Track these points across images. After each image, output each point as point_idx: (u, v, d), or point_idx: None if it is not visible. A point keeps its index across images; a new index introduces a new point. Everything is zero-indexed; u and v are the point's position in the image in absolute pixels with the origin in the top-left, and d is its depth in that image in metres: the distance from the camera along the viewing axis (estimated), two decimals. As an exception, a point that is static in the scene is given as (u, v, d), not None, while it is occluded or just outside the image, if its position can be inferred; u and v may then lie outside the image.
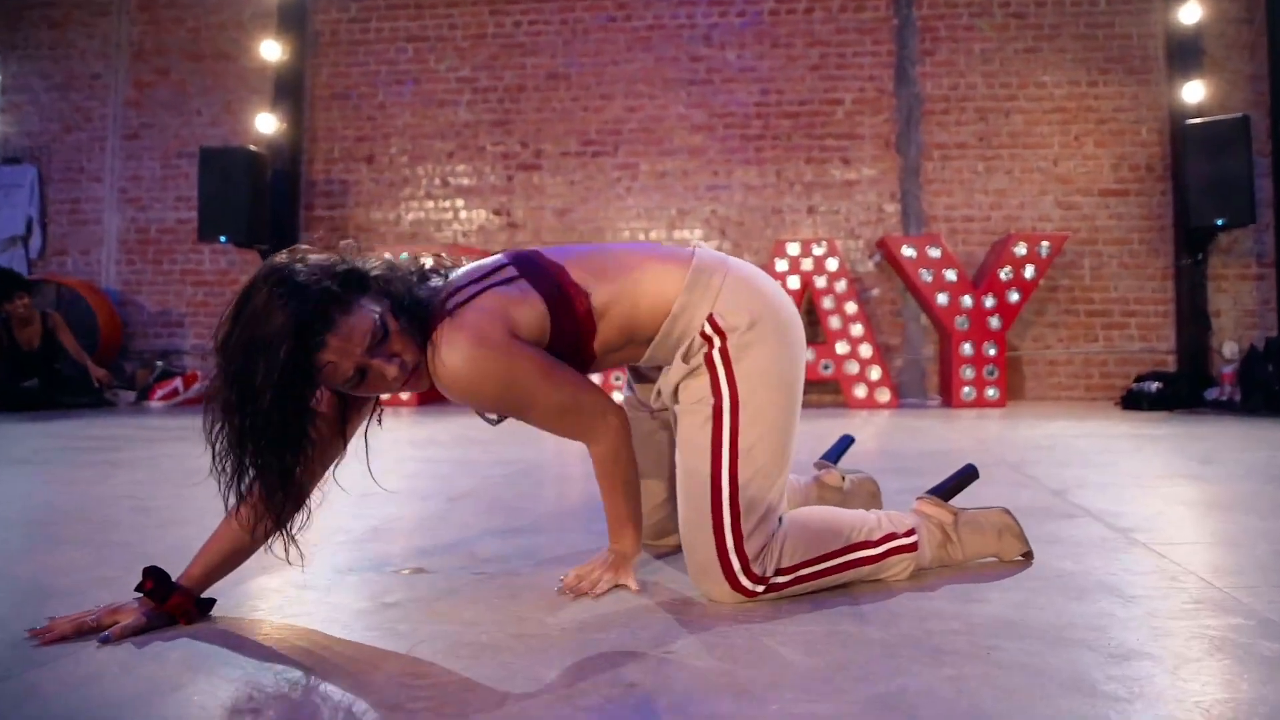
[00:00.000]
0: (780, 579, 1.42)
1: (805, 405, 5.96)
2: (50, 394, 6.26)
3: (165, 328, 7.51)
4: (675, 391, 1.51)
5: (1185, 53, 6.70)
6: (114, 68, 7.53)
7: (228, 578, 1.43)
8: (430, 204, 7.29)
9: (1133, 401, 6.17)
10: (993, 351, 6.45)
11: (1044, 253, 6.45)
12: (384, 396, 1.49)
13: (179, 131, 7.46)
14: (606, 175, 7.12)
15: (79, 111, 7.60)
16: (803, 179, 7.01)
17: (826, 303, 6.56)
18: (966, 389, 6.45)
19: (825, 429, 4.76)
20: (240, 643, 1.27)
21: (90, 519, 2.27)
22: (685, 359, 1.47)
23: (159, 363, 7.25)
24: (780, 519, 1.47)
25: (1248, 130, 6.13)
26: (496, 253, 1.55)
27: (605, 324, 1.46)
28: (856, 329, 6.54)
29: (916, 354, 6.94)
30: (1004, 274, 6.44)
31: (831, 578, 1.47)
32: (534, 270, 1.45)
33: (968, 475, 1.72)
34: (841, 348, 6.55)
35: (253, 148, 6.90)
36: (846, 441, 2.20)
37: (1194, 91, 6.60)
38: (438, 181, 7.29)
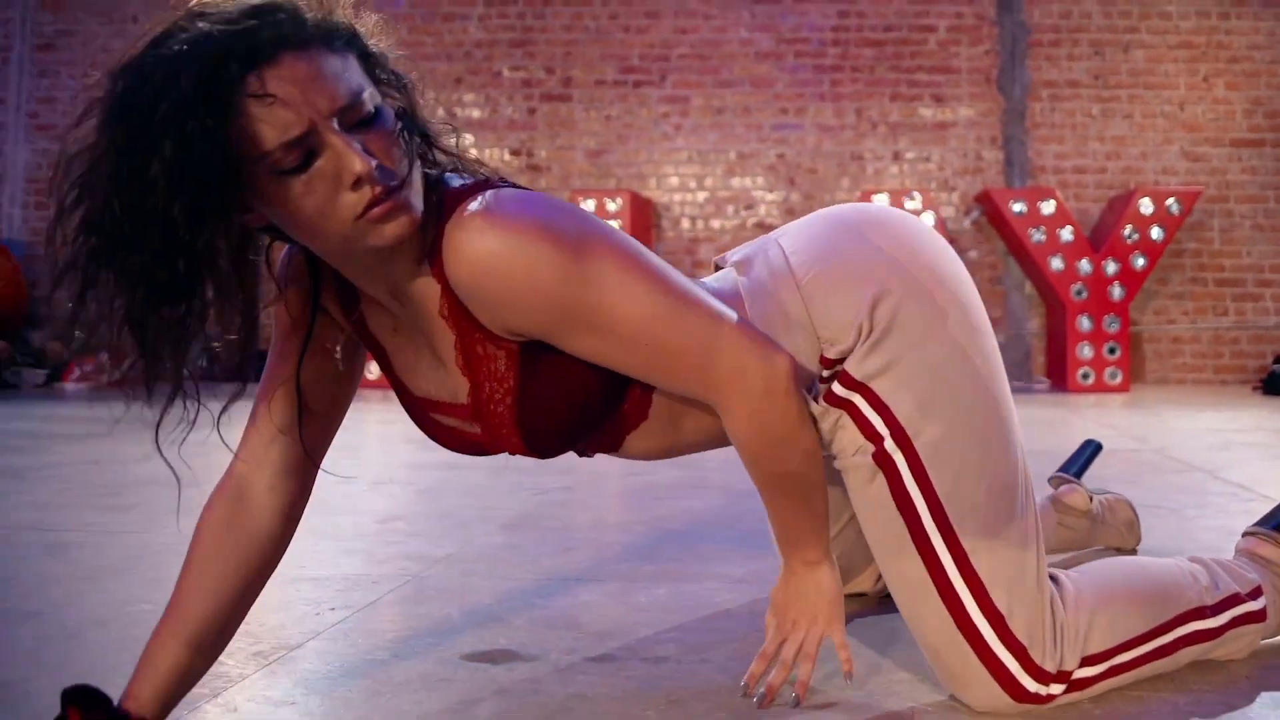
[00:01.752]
0: (1088, 671, 0.97)
1: None
2: None
3: (90, 291, 5.90)
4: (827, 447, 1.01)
5: (1327, -17, 5.66)
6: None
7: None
8: (432, 141, 5.81)
9: (1275, 385, 5.17)
10: (1115, 327, 5.36)
11: (1174, 211, 5.37)
12: None
13: (108, 43, 5.82)
14: (651, 110, 5.87)
15: (-26, 13, 5.92)
16: (887, 119, 5.82)
17: (921, 267, 5.31)
18: (1084, 370, 5.35)
19: None
20: None
21: None
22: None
23: (77, 334, 5.62)
24: (1055, 578, 1.01)
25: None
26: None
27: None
28: (956, 298, 5.31)
29: (1020, 328, 5.81)
30: (1128, 235, 5.31)
31: (1156, 664, 1.01)
32: None
33: (1095, 451, 1.64)
34: (938, 321, 5.30)
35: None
36: (1093, 448, 1.73)
37: (1337, 27, 5.56)
38: (441, 113, 5.72)
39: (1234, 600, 1.06)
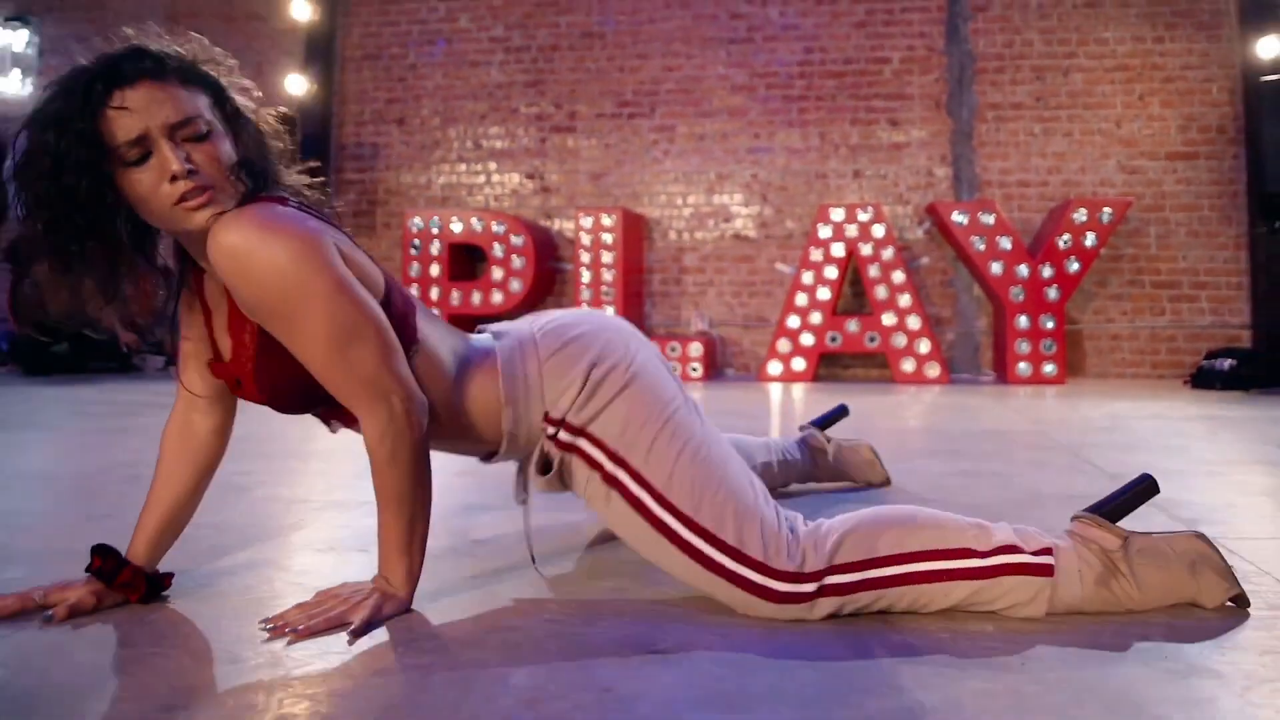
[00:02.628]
0: (840, 578, 1.10)
1: (850, 379, 5.43)
2: (79, 358, 6.02)
3: (194, 294, 7.14)
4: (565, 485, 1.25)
5: (1259, 5, 6.04)
6: (148, 30, 7.12)
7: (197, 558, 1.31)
8: (462, 167, 6.82)
9: (1204, 380, 5.54)
10: (1050, 325, 5.85)
11: (1106, 219, 5.83)
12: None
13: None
14: (643, 138, 6.62)
15: (111, 74, 7.23)
16: (848, 141, 6.44)
17: (873, 271, 5.99)
18: (1022, 364, 5.86)
19: (867, 405, 4.21)
20: (189, 628, 1.12)
21: (76, 486, 2.15)
22: (544, 472, 1.23)
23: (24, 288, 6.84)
24: (808, 522, 1.18)
25: (1330, 88, 5.45)
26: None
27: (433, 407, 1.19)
28: (904, 299, 5.96)
29: (969, 327, 6.34)
30: (1062, 242, 5.84)
31: (921, 588, 1.11)
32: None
33: (1146, 489, 1.18)
34: (888, 319, 5.98)
35: (283, 110, 6.46)
36: (839, 411, 2.05)
37: (1269, 47, 5.92)
38: (470, 144, 6.83)
39: (1009, 549, 1.11)
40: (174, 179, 1.02)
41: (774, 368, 6.05)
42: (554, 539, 1.57)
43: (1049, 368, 5.83)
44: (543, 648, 1.04)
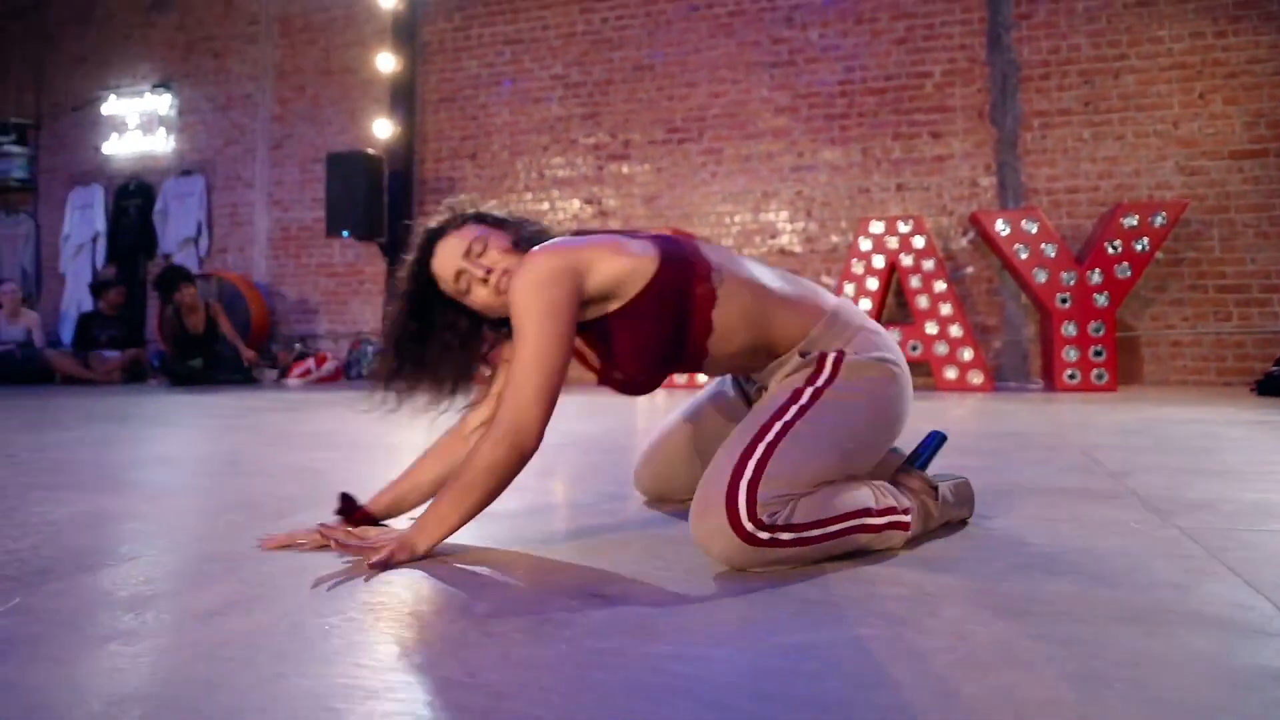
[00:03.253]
0: (784, 535, 1.29)
1: None
2: (211, 371, 6.87)
3: (304, 314, 7.98)
4: (779, 379, 1.51)
5: (1339, -9, 5.63)
6: (262, 87, 8.12)
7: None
8: (529, 195, 7.32)
9: (1271, 387, 5.22)
10: (1100, 331, 5.66)
11: (1158, 223, 5.60)
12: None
13: (314, 140, 7.93)
14: (691, 161, 6.89)
15: (236, 127, 8.25)
16: (890, 156, 6.47)
17: (914, 281, 6.00)
18: (1070, 372, 5.70)
19: (915, 410, 4.26)
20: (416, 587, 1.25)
21: (177, 470, 2.46)
22: (804, 356, 1.48)
23: (297, 345, 7.71)
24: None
25: None
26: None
27: (725, 336, 1.47)
28: (945, 308, 5.93)
29: (1017, 334, 6.22)
30: (1111, 248, 5.65)
31: (835, 543, 1.34)
32: (666, 241, 1.50)
33: (939, 442, 1.64)
34: (930, 328, 5.96)
35: (371, 151, 7.21)
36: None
37: (1350, 34, 5.53)
38: (535, 174, 7.32)
39: (892, 511, 1.41)
40: (482, 280, 1.45)
41: (815, 379, 6.14)
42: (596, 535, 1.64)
43: (1098, 374, 5.65)
44: (509, 588, 1.22)
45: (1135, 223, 5.62)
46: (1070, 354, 5.72)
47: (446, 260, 1.46)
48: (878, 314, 6.05)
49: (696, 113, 6.89)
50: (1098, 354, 5.67)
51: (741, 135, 6.79)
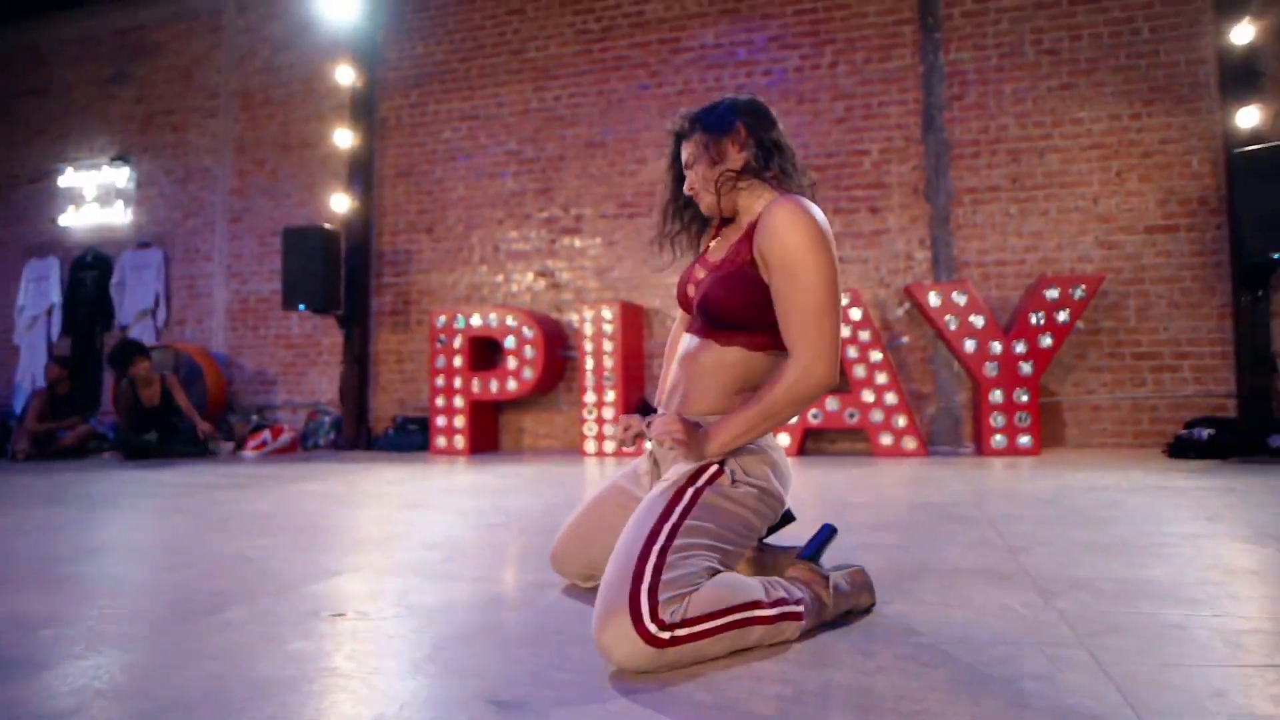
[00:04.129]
0: (682, 631, 1.39)
1: (831, 453, 5.91)
2: (166, 445, 7.03)
3: (262, 385, 8.21)
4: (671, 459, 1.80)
5: (1239, 76, 6.15)
6: (221, 161, 8.39)
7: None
8: (484, 268, 7.64)
9: (1181, 449, 5.64)
10: (1025, 398, 6.07)
11: (1078, 295, 6.03)
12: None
13: (272, 213, 8.21)
14: (641, 235, 7.26)
15: (194, 200, 8.51)
16: (831, 230, 6.84)
17: (851, 352, 6.38)
18: (998, 436, 6.09)
19: (848, 478, 4.65)
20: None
21: (112, 561, 2.54)
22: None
23: (254, 416, 7.91)
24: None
25: (1312, 155, 5.53)
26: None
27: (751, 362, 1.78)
28: (881, 377, 6.32)
29: (949, 401, 6.60)
30: (1035, 319, 6.07)
31: (731, 636, 1.44)
32: None
33: (829, 535, 1.82)
34: (867, 396, 6.34)
35: (328, 226, 7.49)
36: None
37: (1249, 117, 6.04)
38: (490, 247, 7.64)
39: (783, 603, 1.52)
40: (704, 181, 1.89)
41: (761, 446, 6.49)
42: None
43: (1024, 439, 6.04)
44: (413, 696, 1.37)
45: (1056, 295, 6.04)
46: (998, 420, 6.11)
47: (695, 151, 1.86)
48: (820, 382, 6.40)
49: (646, 188, 7.27)
50: (1022, 420, 6.06)
51: (688, 210, 7.15)
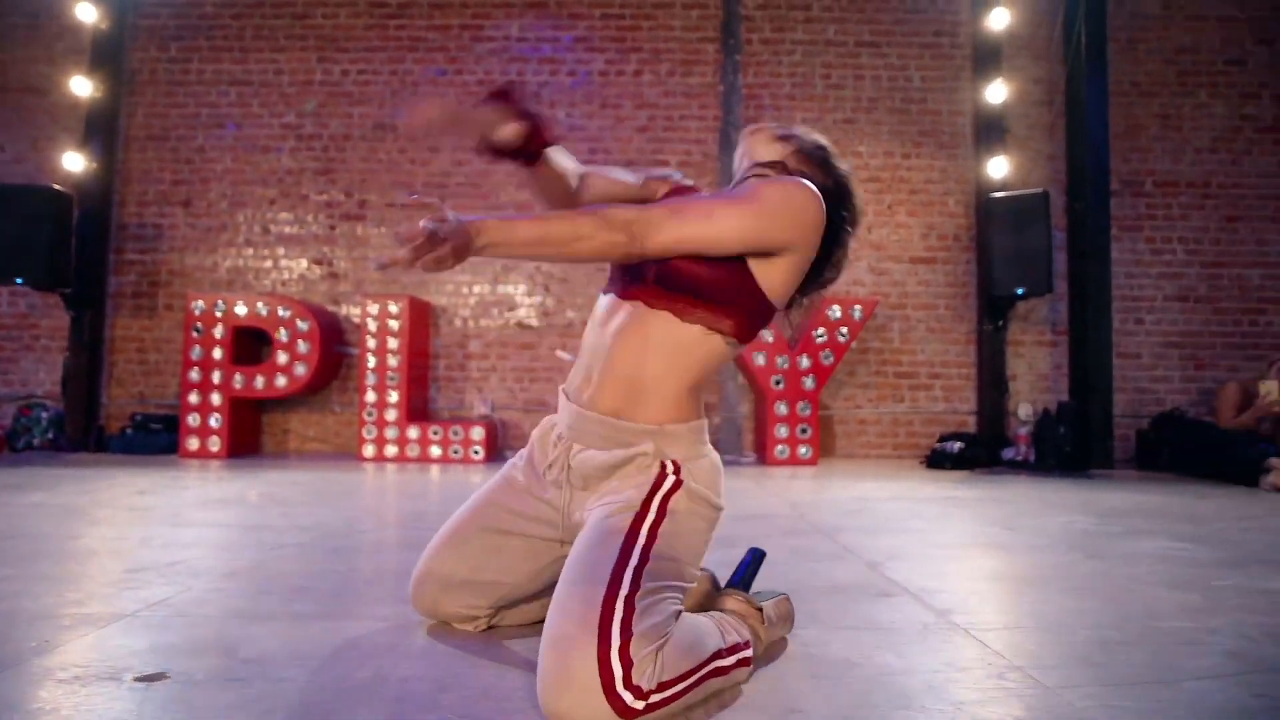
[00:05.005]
0: (655, 698, 1.21)
1: None
2: None
3: (-43, 373, 6.98)
4: (607, 472, 1.53)
5: (991, 130, 6.97)
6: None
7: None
8: (250, 251, 7.00)
9: (936, 460, 6.31)
10: (807, 411, 6.50)
11: (857, 316, 6.55)
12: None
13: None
14: (432, 227, 6.96)
15: None
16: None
17: (646, 360, 6.51)
18: (780, 447, 6.47)
19: None
20: None
21: None
22: (629, 446, 1.52)
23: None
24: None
25: (1047, 205, 6.37)
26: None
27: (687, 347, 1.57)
28: (674, 387, 6.49)
29: (733, 412, 6.95)
30: (818, 336, 6.52)
31: (693, 694, 1.29)
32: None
33: (758, 560, 1.75)
34: (660, 405, 6.49)
35: (58, 187, 6.51)
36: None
37: (998, 167, 6.86)
38: (258, 228, 7.02)
39: (737, 648, 1.41)
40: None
41: (553, 453, 6.46)
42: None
43: (804, 450, 6.48)
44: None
45: (839, 314, 6.55)
46: (781, 431, 6.51)
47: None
48: (614, 390, 6.50)
49: (439, 179, 7.00)
50: (804, 431, 6.51)
51: (484, 206, 6.99)
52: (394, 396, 6.45)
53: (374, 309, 6.50)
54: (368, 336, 6.49)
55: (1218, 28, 7.08)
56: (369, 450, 6.43)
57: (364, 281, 6.97)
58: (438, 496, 4.42)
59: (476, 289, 7.01)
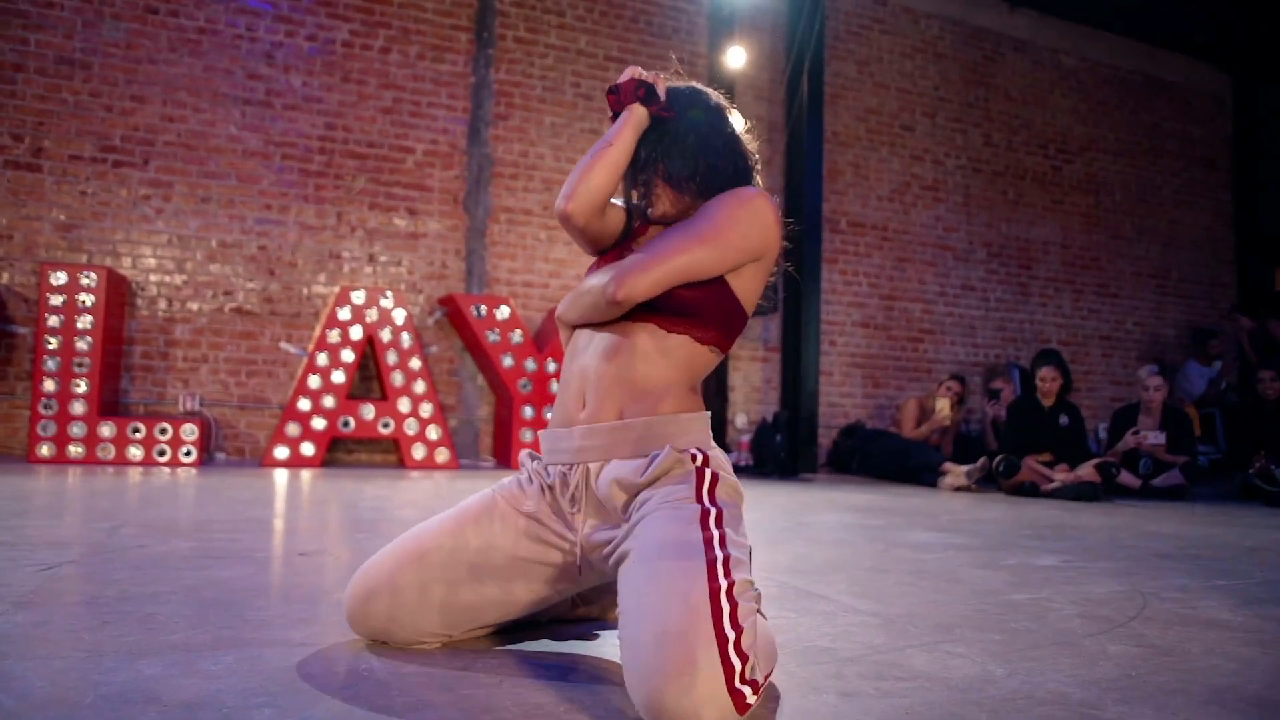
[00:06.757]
0: (754, 698, 1.21)
1: (361, 465, 5.51)
2: None
3: None
4: (637, 473, 1.45)
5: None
6: None
7: None
8: None
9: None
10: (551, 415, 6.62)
11: (599, 323, 6.83)
12: None
13: None
14: (131, 190, 6.09)
15: None
16: (366, 225, 6.67)
17: (390, 357, 6.26)
18: (527, 451, 6.52)
19: (382, 491, 4.45)
20: None
21: None
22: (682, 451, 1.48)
23: None
24: None
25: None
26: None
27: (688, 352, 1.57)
28: (419, 386, 6.33)
29: (472, 415, 6.91)
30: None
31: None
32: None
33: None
34: (404, 405, 6.27)
35: None
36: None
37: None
38: (-119, 165, 5.62)
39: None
40: None
41: (281, 452, 5.94)
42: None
43: (548, 457, 6.61)
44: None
45: (581, 322, 6.80)
46: (527, 435, 6.59)
47: None
48: (349, 388, 6.16)
49: (143, 134, 6.12)
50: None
51: (200, 172, 6.25)
52: (82, 386, 5.51)
53: (61, 278, 5.52)
54: (48, 314, 5.49)
55: (896, 96, 8.51)
56: (45, 450, 5.42)
57: (35, 246, 5.87)
58: (185, 501, 3.93)
59: (187, 266, 6.22)
